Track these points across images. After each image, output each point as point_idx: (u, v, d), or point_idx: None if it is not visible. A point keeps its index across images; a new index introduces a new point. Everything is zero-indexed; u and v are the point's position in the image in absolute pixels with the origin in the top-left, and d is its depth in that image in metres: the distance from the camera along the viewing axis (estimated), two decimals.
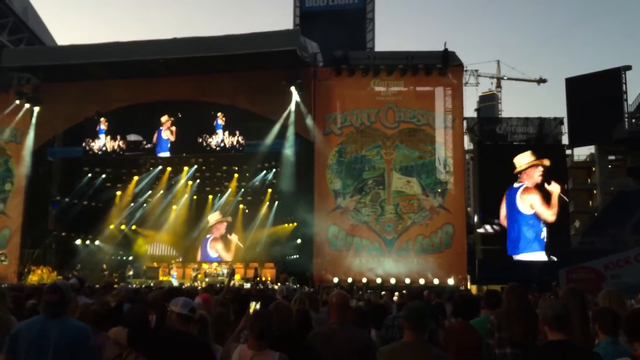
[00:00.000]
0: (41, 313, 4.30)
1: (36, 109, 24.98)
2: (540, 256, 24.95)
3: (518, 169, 25.76)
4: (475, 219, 28.40)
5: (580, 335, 4.33)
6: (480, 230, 27.13)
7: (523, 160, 25.88)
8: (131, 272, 25.85)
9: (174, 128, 24.94)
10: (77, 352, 4.04)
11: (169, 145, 25.11)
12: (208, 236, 28.79)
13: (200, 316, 4.60)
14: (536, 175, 25.69)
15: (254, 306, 4.58)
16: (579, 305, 4.59)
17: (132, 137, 25.41)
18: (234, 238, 28.34)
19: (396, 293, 13.84)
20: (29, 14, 31.70)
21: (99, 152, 25.54)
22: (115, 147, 25.36)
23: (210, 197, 29.03)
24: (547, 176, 25.58)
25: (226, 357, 4.31)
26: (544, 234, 25.28)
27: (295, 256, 25.43)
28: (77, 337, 4.10)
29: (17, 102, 24.83)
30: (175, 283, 22.66)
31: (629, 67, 36.53)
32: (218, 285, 17.06)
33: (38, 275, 23.60)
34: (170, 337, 4.08)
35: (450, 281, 21.33)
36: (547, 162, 25.73)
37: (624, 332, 3.68)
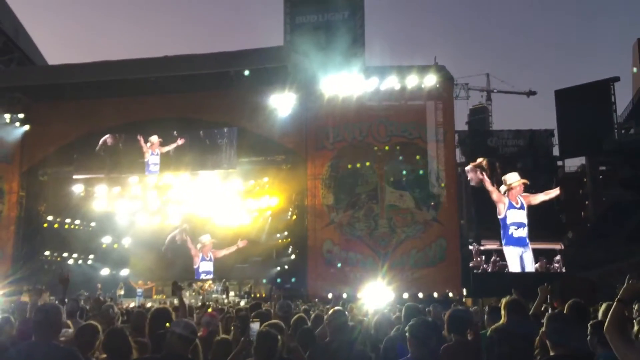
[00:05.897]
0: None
1: (27, 129, 24.86)
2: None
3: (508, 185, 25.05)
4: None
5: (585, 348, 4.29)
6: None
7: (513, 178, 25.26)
8: (122, 292, 25.60)
9: (164, 148, 24.61)
10: None
11: (158, 165, 24.73)
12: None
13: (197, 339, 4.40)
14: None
15: (254, 326, 4.49)
16: (581, 318, 4.55)
17: (125, 157, 25.19)
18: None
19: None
20: (19, 34, 31.71)
21: (92, 173, 25.31)
22: (108, 166, 25.12)
23: None
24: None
25: None
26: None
27: (289, 272, 25.25)
28: None
29: (8, 121, 24.70)
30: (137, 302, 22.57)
31: (617, 79, 36.77)
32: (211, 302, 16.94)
33: (31, 298, 23.31)
34: None
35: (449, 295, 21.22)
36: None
37: None
